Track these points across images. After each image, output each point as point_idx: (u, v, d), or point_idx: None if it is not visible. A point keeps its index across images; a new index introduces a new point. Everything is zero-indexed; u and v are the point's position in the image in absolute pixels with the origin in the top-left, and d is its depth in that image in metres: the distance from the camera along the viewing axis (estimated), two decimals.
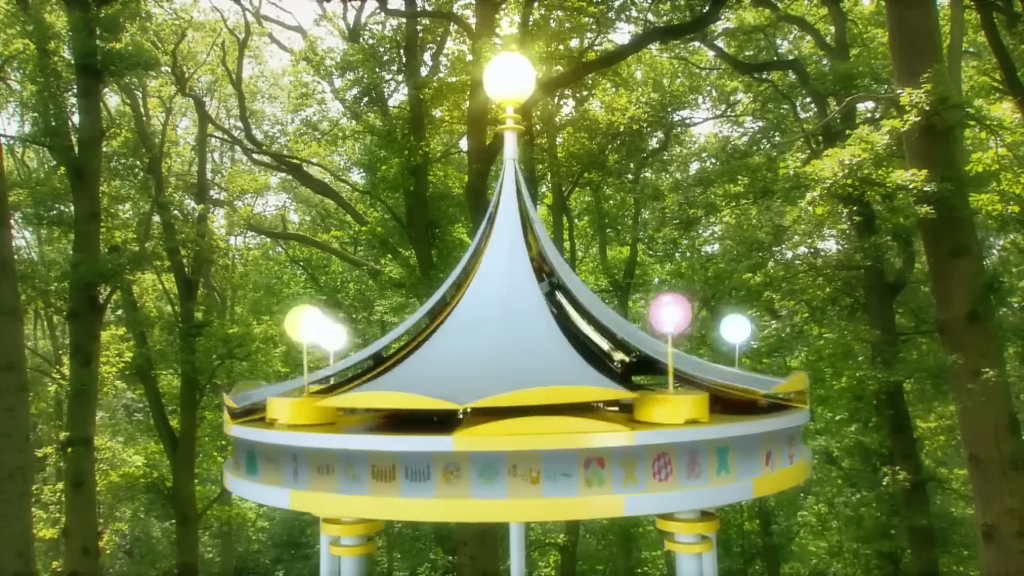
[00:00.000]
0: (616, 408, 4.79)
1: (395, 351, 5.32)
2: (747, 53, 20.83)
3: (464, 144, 20.25)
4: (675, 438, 3.88)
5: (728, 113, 23.65)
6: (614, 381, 4.18)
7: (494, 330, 4.68)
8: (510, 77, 5.26)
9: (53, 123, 16.59)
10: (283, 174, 25.11)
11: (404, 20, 18.69)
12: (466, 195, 17.37)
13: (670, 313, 3.97)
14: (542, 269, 5.31)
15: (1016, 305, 18.23)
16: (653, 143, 22.57)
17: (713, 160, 21.96)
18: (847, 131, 13.61)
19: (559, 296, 5.28)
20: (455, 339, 4.76)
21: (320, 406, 4.17)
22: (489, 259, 5.22)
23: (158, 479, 22.40)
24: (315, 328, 4.56)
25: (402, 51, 19.11)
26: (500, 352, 4.46)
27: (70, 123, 17.27)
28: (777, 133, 21.75)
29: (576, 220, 25.87)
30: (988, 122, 11.54)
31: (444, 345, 4.74)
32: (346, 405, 4.42)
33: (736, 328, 5.38)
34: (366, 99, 19.69)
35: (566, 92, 20.12)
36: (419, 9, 18.95)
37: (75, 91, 16.81)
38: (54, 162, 20.10)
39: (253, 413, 4.71)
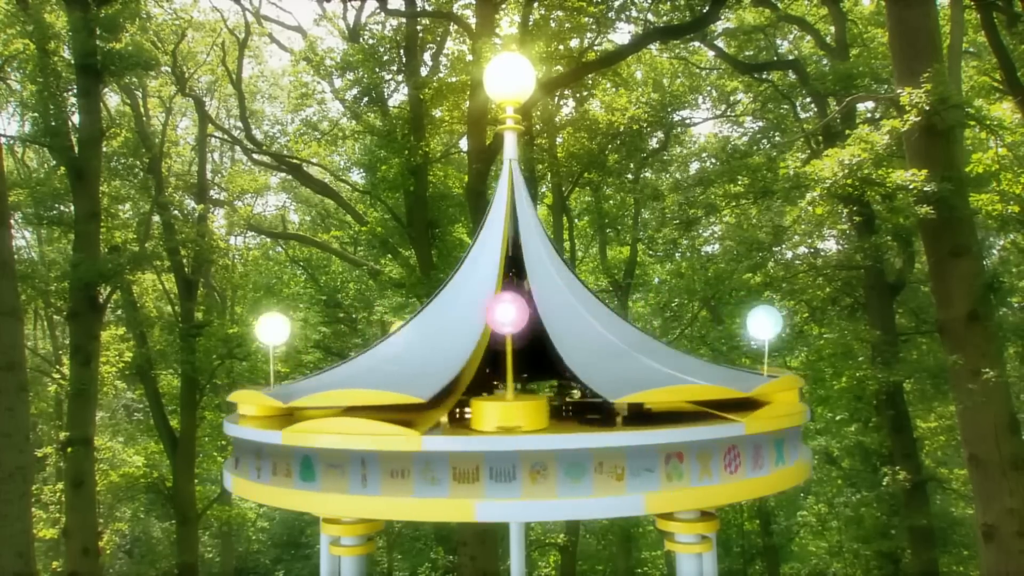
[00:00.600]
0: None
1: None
2: (747, 53, 20.83)
3: (464, 144, 20.25)
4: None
5: (728, 113, 23.66)
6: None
7: (429, 332, 4.90)
8: (510, 77, 5.27)
9: (53, 123, 16.59)
10: (283, 174, 25.11)
11: (404, 20, 18.69)
12: (466, 195, 17.38)
13: (506, 312, 3.86)
14: (516, 271, 5.32)
15: (1016, 305, 18.24)
16: (653, 143, 22.57)
17: (713, 160, 21.96)
18: (847, 131, 13.61)
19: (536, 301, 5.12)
20: (399, 340, 5.07)
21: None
22: (470, 262, 5.37)
23: (158, 479, 22.41)
24: (278, 332, 4.71)
25: (402, 51, 19.11)
26: (409, 354, 4.74)
27: (70, 123, 17.26)
28: (777, 133, 21.76)
29: (576, 220, 25.87)
30: (988, 122, 11.54)
31: (386, 346, 5.09)
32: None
33: (764, 323, 4.72)
34: (366, 99, 19.69)
35: (566, 92, 20.12)
36: (419, 9, 18.94)
37: (75, 91, 16.80)
38: (54, 162, 20.11)
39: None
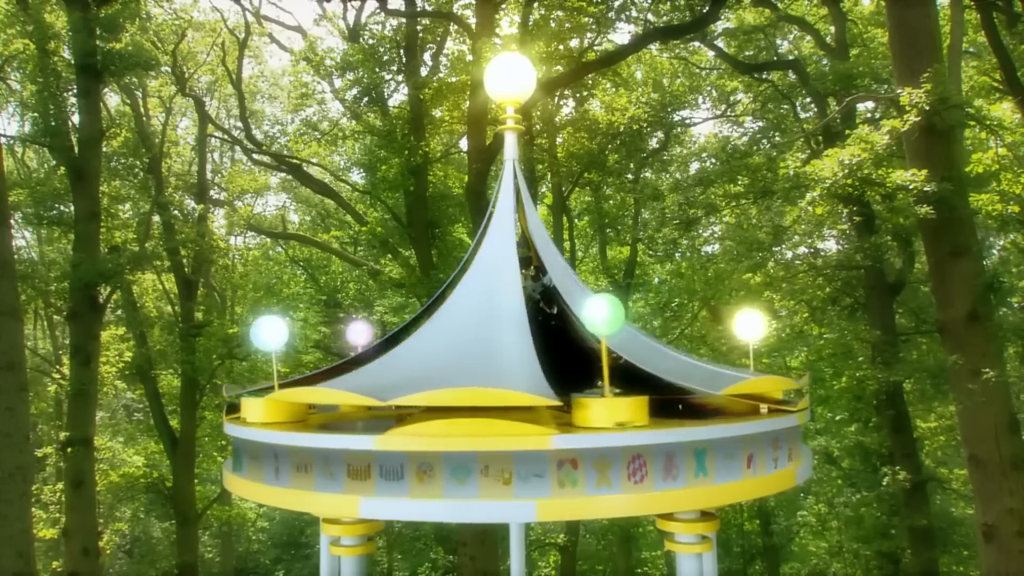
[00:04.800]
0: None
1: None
2: (747, 53, 20.83)
3: (464, 144, 20.25)
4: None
5: (728, 113, 23.65)
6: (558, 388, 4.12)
7: (465, 330, 4.73)
8: (510, 77, 5.27)
9: (53, 123, 16.59)
10: (283, 174, 25.11)
11: (404, 20, 18.70)
12: (466, 195, 17.37)
13: (602, 313, 3.89)
14: (538, 270, 5.31)
15: (1016, 305, 18.23)
16: (653, 143, 22.57)
17: (713, 160, 21.95)
18: (847, 131, 13.60)
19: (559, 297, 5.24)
20: (427, 339, 4.87)
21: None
22: (480, 259, 5.28)
23: (158, 479, 22.39)
24: (275, 336, 4.65)
25: (402, 51, 19.12)
26: (460, 352, 4.53)
27: (70, 123, 17.26)
28: (777, 133, 21.75)
29: (576, 220, 25.86)
30: (988, 122, 11.54)
31: (414, 345, 4.85)
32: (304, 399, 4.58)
33: (750, 324, 5.16)
34: (366, 99, 19.70)
35: (566, 92, 20.12)
36: (419, 9, 18.95)
37: (75, 91, 16.81)
38: (54, 162, 20.11)
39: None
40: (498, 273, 5.05)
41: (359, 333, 5.79)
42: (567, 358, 4.77)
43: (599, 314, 3.85)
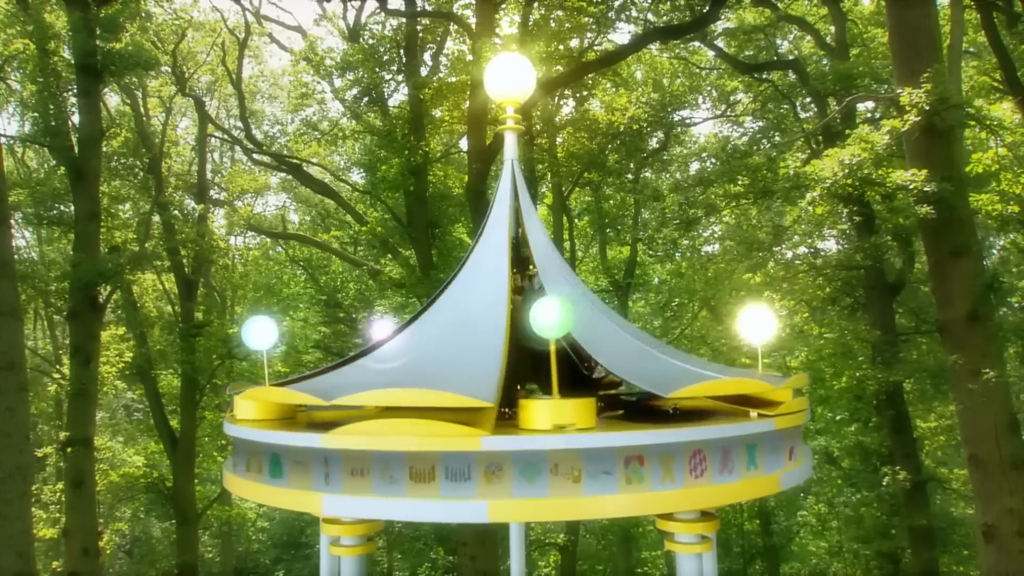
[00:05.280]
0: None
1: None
2: (747, 53, 20.82)
3: (464, 144, 20.25)
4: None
5: (728, 113, 23.65)
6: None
7: (446, 331, 4.82)
8: (510, 77, 5.27)
9: (53, 123, 16.58)
10: (283, 174, 25.11)
11: (404, 20, 18.69)
12: (466, 195, 17.37)
13: (551, 317, 3.88)
14: (527, 270, 5.33)
15: (1016, 305, 18.22)
16: (653, 143, 22.57)
17: (713, 160, 21.95)
18: (847, 131, 13.60)
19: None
20: (409, 339, 5.01)
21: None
22: (474, 261, 5.35)
23: (158, 479, 22.39)
24: (265, 336, 4.73)
25: (402, 51, 19.11)
26: (433, 354, 4.64)
27: (70, 123, 17.25)
28: (777, 133, 21.74)
29: (576, 220, 25.87)
30: (988, 122, 11.54)
31: (397, 344, 5.00)
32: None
33: (758, 322, 4.58)
34: (366, 99, 19.71)
35: (566, 92, 20.12)
36: (419, 9, 18.94)
37: (75, 91, 16.79)
38: (54, 162, 20.11)
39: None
40: (486, 275, 5.10)
41: (381, 332, 5.93)
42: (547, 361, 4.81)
43: (547, 318, 3.85)
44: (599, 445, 3.79)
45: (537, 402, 3.95)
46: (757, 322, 4.53)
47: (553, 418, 3.81)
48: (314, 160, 23.66)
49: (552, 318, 3.84)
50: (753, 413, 4.34)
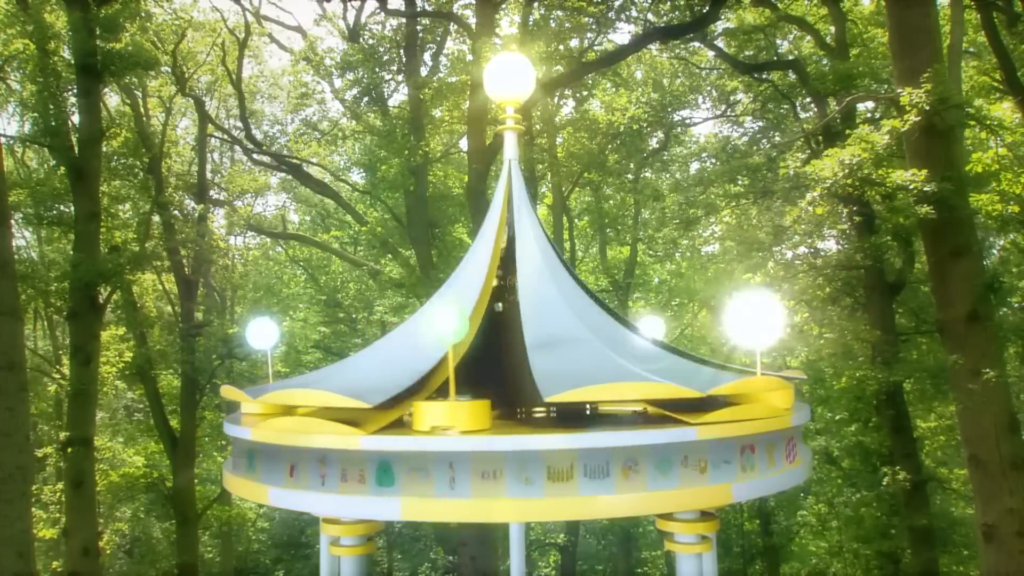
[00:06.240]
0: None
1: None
2: (747, 53, 20.81)
3: (464, 144, 20.26)
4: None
5: (728, 113, 23.64)
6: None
7: (416, 333, 4.95)
8: (510, 77, 5.28)
9: (53, 123, 16.56)
10: (283, 174, 25.11)
11: (404, 20, 18.70)
12: (466, 195, 17.38)
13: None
14: (504, 279, 5.37)
15: (1016, 305, 18.23)
16: (653, 143, 22.59)
17: (713, 160, 21.96)
18: (847, 131, 13.59)
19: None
20: (391, 341, 5.36)
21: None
22: (464, 264, 5.49)
23: (158, 479, 22.38)
24: (267, 336, 4.99)
25: (402, 51, 19.12)
26: (396, 356, 4.86)
27: (70, 123, 17.24)
28: (777, 133, 21.73)
29: (576, 220, 25.89)
30: (988, 122, 11.54)
31: (368, 351, 5.33)
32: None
33: (765, 317, 4.13)
34: (366, 99, 19.72)
35: (566, 92, 20.13)
36: (419, 9, 18.95)
37: (75, 91, 16.77)
38: (54, 162, 20.08)
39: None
40: (467, 278, 5.17)
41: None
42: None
43: (444, 324, 4.02)
44: (471, 449, 3.84)
45: (427, 404, 4.08)
46: (758, 318, 4.10)
47: (433, 420, 3.96)
48: (314, 160, 23.68)
49: (447, 325, 4.01)
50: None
